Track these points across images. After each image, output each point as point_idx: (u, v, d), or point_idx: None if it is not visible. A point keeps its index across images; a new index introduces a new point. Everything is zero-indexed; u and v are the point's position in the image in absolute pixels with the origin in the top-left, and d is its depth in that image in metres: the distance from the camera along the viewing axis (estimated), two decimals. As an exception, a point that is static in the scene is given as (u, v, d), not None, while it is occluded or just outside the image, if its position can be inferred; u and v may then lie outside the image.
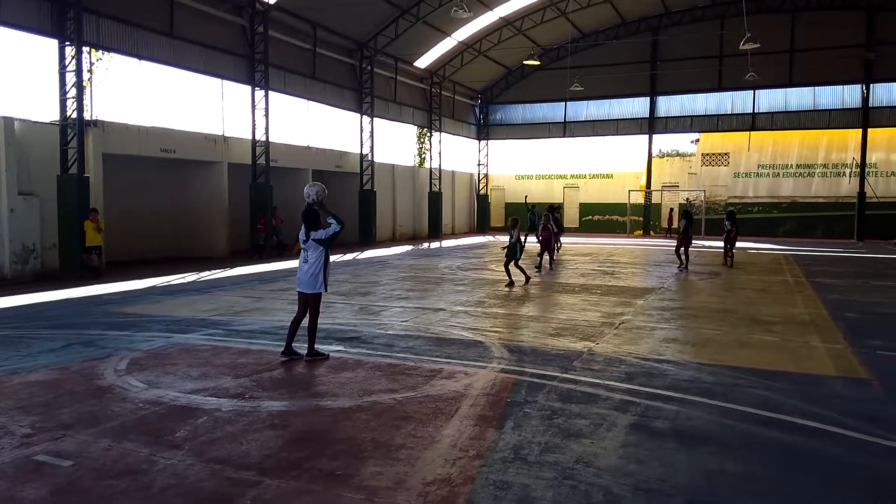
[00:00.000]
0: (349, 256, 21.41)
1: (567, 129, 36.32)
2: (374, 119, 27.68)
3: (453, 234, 35.37)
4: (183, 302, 11.80)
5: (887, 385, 6.43)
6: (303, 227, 7.24)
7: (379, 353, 7.75)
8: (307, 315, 7.33)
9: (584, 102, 35.42)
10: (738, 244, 23.01)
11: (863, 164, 30.65)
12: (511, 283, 13.93)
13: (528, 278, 14.40)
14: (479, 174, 38.88)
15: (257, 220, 21.18)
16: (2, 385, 6.39)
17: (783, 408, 5.70)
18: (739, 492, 4.14)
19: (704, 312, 10.73)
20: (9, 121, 14.91)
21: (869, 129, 30.53)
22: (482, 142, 38.55)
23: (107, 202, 17.18)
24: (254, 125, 21.26)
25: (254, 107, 21.27)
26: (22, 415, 5.48)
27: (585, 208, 37.37)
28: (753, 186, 33.83)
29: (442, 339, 8.56)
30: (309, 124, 25.63)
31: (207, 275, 16.16)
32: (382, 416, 5.47)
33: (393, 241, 29.90)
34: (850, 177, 31.71)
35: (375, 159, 27.92)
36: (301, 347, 7.44)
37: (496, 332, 9.04)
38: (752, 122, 32.77)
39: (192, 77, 20.21)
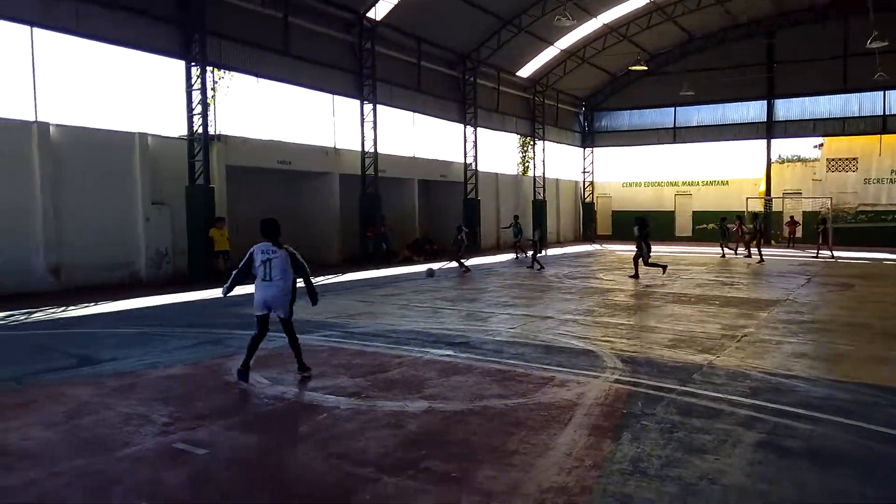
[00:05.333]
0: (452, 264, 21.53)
1: (677, 134, 35.02)
2: (478, 129, 27.88)
3: (559, 243, 34.92)
4: (296, 305, 12.25)
5: None
6: (267, 247, 7.15)
7: (488, 358, 7.74)
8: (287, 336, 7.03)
9: (696, 107, 34.01)
10: (864, 254, 21.37)
11: None
12: (636, 276, 16.36)
13: (637, 276, 16.38)
14: (584, 182, 38.25)
15: (367, 228, 21.80)
16: (143, 378, 6.91)
17: (933, 430, 5.20)
18: (886, 518, 3.83)
19: (836, 326, 9.99)
20: (143, 137, 16.20)
21: None
22: (587, 149, 37.89)
23: (230, 211, 18.21)
24: (363, 137, 21.98)
25: (363, 120, 21.99)
26: (161, 405, 5.90)
27: (699, 216, 35.83)
28: (887, 193, 31.27)
29: (551, 346, 8.45)
30: (415, 135, 26.20)
31: (321, 280, 16.78)
32: (494, 421, 5.46)
33: (497, 248, 29.90)
34: None
35: (479, 168, 28.09)
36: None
37: (607, 341, 8.81)
38: (882, 124, 30.34)
39: (305, 92, 21.17)
